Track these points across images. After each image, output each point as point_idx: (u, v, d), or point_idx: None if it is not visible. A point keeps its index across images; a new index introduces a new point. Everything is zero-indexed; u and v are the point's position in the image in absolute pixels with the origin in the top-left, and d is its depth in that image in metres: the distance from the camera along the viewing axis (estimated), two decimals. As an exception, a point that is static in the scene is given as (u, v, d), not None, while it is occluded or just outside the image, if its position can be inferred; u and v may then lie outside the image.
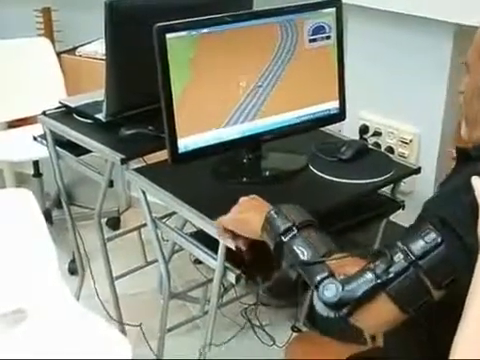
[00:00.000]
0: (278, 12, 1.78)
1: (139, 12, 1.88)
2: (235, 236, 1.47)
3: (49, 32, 3.45)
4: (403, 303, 1.12)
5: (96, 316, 1.85)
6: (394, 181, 1.89)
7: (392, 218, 1.98)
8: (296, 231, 1.28)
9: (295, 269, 1.24)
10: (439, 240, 1.10)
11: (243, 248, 1.48)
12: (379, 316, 1.15)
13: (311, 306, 2.52)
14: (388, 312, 1.14)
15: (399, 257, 1.12)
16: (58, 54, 3.27)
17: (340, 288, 1.14)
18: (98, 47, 3.18)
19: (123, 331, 2.39)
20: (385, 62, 2.37)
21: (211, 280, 1.82)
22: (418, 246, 1.11)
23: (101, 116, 2.07)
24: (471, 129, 1.32)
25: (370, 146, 2.10)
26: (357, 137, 2.47)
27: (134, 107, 2.07)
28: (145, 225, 1.98)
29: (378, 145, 2.46)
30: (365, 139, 2.46)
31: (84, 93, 2.33)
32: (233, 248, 1.51)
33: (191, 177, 1.81)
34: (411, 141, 2.38)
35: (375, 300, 1.13)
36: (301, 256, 1.23)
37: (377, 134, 2.46)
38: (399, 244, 1.14)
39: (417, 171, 1.92)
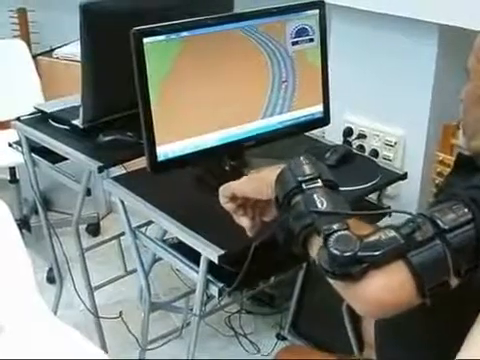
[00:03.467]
0: (261, 14, 1.73)
1: (115, 15, 1.82)
2: (239, 212, 1.28)
3: (25, 34, 3.39)
4: (422, 276, 0.97)
5: (73, 330, 1.78)
6: (380, 187, 1.85)
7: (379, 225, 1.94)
8: (320, 183, 1.10)
9: (303, 219, 1.05)
10: (470, 216, 1.01)
11: (247, 227, 1.27)
12: (390, 288, 0.98)
13: (295, 314, 2.50)
14: (402, 286, 0.98)
15: (426, 225, 1.00)
16: (34, 56, 3.21)
17: (358, 242, 0.98)
18: (76, 49, 3.10)
19: (103, 345, 2.33)
20: (369, 63, 2.33)
21: (194, 290, 1.76)
22: (447, 218, 1.00)
23: (78, 122, 2.02)
24: (470, 138, 1.28)
25: (355, 151, 2.06)
26: (341, 140, 2.43)
27: (112, 112, 2.01)
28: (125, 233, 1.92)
29: (362, 148, 2.42)
30: (349, 142, 2.42)
31: (62, 96, 2.28)
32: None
33: (172, 186, 1.76)
34: (396, 144, 2.34)
35: (391, 268, 0.98)
36: (319, 205, 1.05)
37: (361, 137, 2.42)
38: (425, 213, 1.02)
39: (403, 177, 1.89)
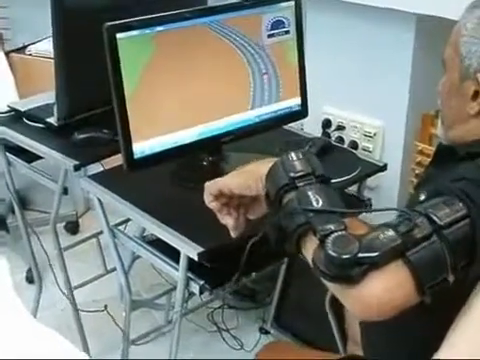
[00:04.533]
0: (234, 7, 1.71)
1: (88, 10, 1.80)
2: (224, 211, 1.22)
3: (-4, 31, 3.33)
4: (422, 275, 0.96)
5: (53, 332, 1.75)
6: (360, 179, 1.84)
7: (360, 217, 1.93)
8: (314, 180, 1.06)
9: (297, 218, 1.01)
10: (465, 212, 1.00)
11: (231, 227, 1.22)
12: (391, 289, 0.96)
13: (278, 307, 2.48)
14: (402, 286, 0.96)
15: (423, 222, 0.99)
16: (7, 53, 3.14)
17: (357, 243, 0.95)
18: (49, 45, 3.05)
19: (85, 345, 2.30)
20: (347, 54, 2.31)
21: (175, 287, 1.74)
22: (443, 213, 0.99)
23: (53, 120, 1.98)
24: (448, 128, 1.27)
25: (334, 143, 2.05)
26: (320, 132, 2.42)
27: (87, 109, 1.98)
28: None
29: (342, 139, 2.41)
30: (328, 134, 2.41)
31: (37, 94, 2.24)
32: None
33: (149, 183, 1.73)
34: (375, 135, 2.33)
35: (390, 268, 0.96)
36: (314, 203, 1.01)
37: (340, 128, 2.40)
38: (420, 209, 1.01)
39: (383, 168, 1.88)
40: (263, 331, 2.52)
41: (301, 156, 1.10)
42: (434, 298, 0.98)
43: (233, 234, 1.23)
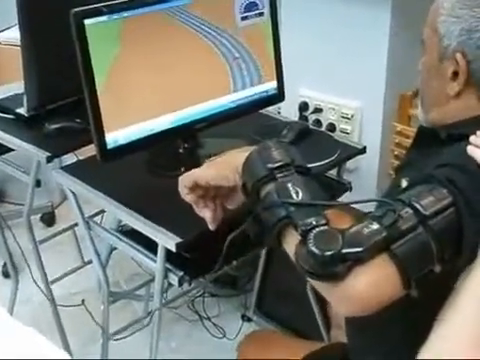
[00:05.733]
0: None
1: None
2: (200, 204, 1.18)
3: (-36, 19, 3.23)
4: (408, 268, 0.93)
5: (29, 328, 1.70)
6: (339, 163, 1.81)
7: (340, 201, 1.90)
8: (293, 171, 1.02)
9: (277, 211, 0.97)
10: (450, 200, 0.97)
11: (209, 220, 1.18)
12: (377, 285, 0.93)
13: (260, 294, 2.46)
14: (388, 280, 0.93)
15: (407, 212, 0.95)
16: (-26, 42, 3.08)
17: (340, 238, 0.92)
18: (19, 33, 2.98)
19: (64, 339, 2.26)
20: (322, 35, 2.28)
21: (154, 279, 1.70)
22: (427, 202, 0.96)
23: (23, 111, 1.93)
24: (428, 110, 1.24)
25: (312, 126, 2.01)
26: (297, 115, 2.38)
27: (58, 98, 1.94)
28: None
29: (319, 122, 2.38)
30: (305, 117, 2.38)
31: (6, 84, 2.18)
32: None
33: (125, 172, 1.69)
34: (353, 116, 2.30)
35: (376, 263, 0.93)
36: (294, 196, 0.97)
37: (318, 111, 2.37)
38: (404, 198, 0.98)
39: (362, 151, 1.85)
40: (245, 318, 2.50)
41: (278, 146, 1.06)
42: (419, 292, 0.95)
43: (211, 226, 1.19)
